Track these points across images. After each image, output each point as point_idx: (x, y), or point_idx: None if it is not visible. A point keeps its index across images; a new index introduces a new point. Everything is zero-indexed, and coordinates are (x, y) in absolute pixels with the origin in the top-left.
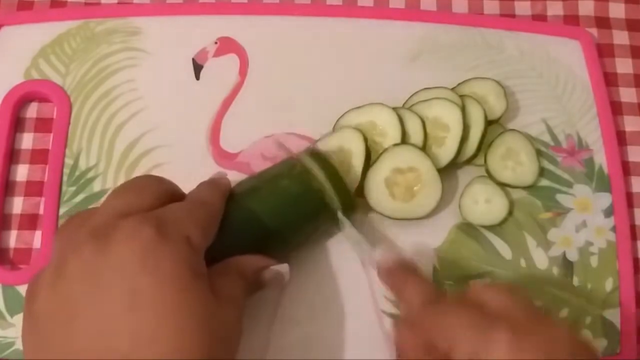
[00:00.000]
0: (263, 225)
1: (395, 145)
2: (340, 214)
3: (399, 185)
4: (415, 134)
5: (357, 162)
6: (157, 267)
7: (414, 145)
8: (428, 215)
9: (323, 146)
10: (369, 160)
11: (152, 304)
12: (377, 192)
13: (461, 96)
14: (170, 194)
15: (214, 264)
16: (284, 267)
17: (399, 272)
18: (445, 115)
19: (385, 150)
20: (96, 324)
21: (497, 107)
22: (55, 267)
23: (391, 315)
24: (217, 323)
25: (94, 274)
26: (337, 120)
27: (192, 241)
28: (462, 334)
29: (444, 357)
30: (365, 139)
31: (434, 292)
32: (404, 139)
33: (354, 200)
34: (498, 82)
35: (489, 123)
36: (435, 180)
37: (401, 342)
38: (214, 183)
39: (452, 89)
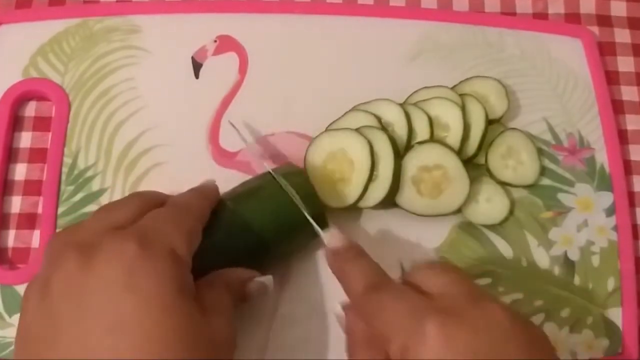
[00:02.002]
0: (250, 234)
1: (420, 142)
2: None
3: (425, 182)
4: (422, 131)
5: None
6: (141, 286)
7: (440, 142)
8: (455, 211)
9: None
10: (373, 168)
11: (135, 324)
12: (404, 189)
13: (461, 95)
14: (153, 203)
15: (200, 275)
16: (268, 279)
17: (343, 256)
18: (445, 115)
19: (412, 148)
20: (79, 343)
21: (498, 106)
22: (42, 281)
23: None
24: (205, 337)
25: (78, 292)
26: (338, 119)
27: (177, 252)
28: (396, 324)
29: (382, 348)
30: (371, 146)
31: (377, 276)
32: (410, 136)
33: (325, 216)
34: (499, 81)
35: (490, 122)
36: (462, 176)
37: (348, 329)
38: (199, 189)
39: (453, 88)
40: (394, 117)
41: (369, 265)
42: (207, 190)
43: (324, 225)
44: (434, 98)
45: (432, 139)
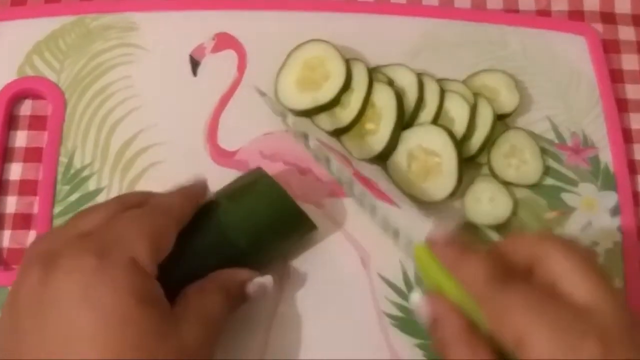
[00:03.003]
0: (236, 233)
1: (429, 124)
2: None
3: (418, 162)
4: (432, 103)
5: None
6: (97, 300)
7: (450, 133)
8: (435, 203)
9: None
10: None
11: (89, 338)
12: (398, 159)
13: (475, 94)
14: (127, 204)
15: (189, 277)
16: (267, 279)
17: (459, 245)
18: (453, 109)
19: (420, 124)
20: (38, 355)
21: (510, 100)
22: (11, 294)
23: (390, 316)
24: (171, 347)
25: (39, 304)
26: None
27: (138, 261)
28: (536, 332)
29: (494, 346)
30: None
31: (501, 267)
32: (419, 106)
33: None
34: (509, 75)
35: (503, 117)
36: (453, 174)
37: (443, 321)
38: (184, 189)
39: (462, 82)
40: (407, 84)
41: (491, 256)
42: (192, 190)
43: (309, 224)
44: (447, 91)
45: (444, 126)
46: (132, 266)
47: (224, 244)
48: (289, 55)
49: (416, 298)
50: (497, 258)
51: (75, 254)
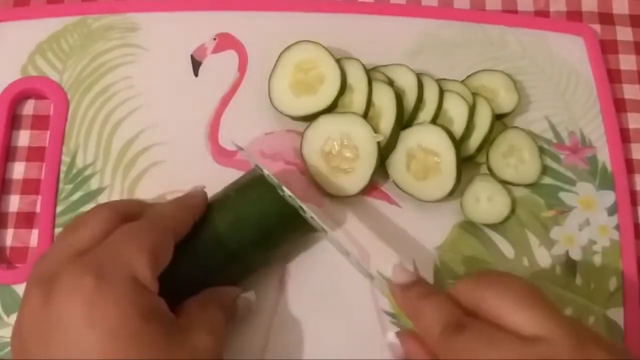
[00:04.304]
0: (230, 242)
1: (429, 123)
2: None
3: (417, 161)
4: (431, 102)
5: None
6: (102, 320)
7: (450, 133)
8: (431, 202)
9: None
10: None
11: (98, 357)
12: (398, 158)
13: (474, 94)
14: (120, 216)
15: (188, 284)
16: (251, 295)
17: (416, 291)
18: (452, 109)
19: (419, 123)
20: None
21: (509, 100)
22: (18, 314)
23: (391, 315)
24: (181, 357)
25: (43, 328)
26: None
27: (138, 278)
28: None
29: None
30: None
31: (456, 315)
32: (419, 105)
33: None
34: (508, 75)
35: (502, 116)
36: (452, 174)
37: None
38: (182, 200)
39: (461, 82)
40: (407, 84)
41: (446, 303)
42: (191, 202)
43: (305, 226)
44: (446, 91)
45: (443, 125)
46: (132, 283)
47: (221, 249)
48: (279, 58)
49: (390, 336)
50: (451, 304)
51: (74, 274)
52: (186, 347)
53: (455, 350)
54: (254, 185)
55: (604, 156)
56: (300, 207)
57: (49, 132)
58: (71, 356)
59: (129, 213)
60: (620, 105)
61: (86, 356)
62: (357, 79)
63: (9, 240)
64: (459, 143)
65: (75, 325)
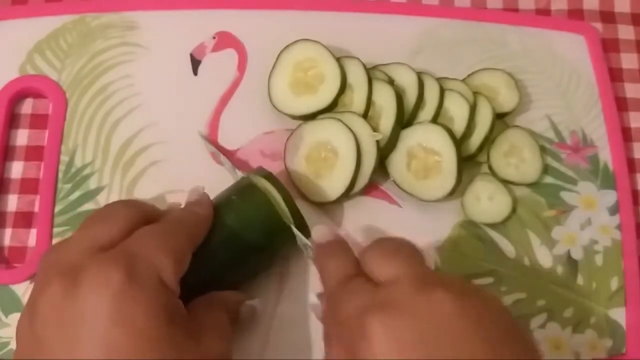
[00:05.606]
0: (230, 245)
1: (429, 123)
2: (301, 239)
3: (418, 160)
4: (432, 101)
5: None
6: (129, 318)
7: (451, 132)
8: (432, 202)
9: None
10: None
11: (125, 356)
12: (398, 157)
13: (475, 93)
14: (143, 216)
15: (196, 288)
16: (255, 302)
17: (326, 250)
18: (453, 108)
19: (420, 122)
20: None
21: (509, 99)
22: (30, 307)
23: None
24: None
25: (66, 320)
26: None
27: (164, 280)
28: (346, 324)
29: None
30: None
31: (350, 269)
32: (419, 104)
33: (305, 223)
34: (509, 74)
35: (503, 115)
36: (452, 173)
37: (323, 320)
38: (195, 209)
39: (462, 81)
40: (407, 83)
41: (345, 259)
42: (202, 212)
43: (304, 229)
44: (447, 90)
45: (444, 125)
46: (160, 284)
47: (225, 252)
48: (278, 57)
49: (312, 297)
50: (350, 263)
51: (102, 268)
52: (202, 349)
53: (334, 302)
54: (256, 187)
55: (605, 155)
56: (288, 217)
57: (47, 131)
58: (94, 352)
59: (147, 212)
60: (622, 104)
61: (109, 354)
62: (357, 78)
63: (7, 240)
64: (459, 142)
65: (102, 320)
